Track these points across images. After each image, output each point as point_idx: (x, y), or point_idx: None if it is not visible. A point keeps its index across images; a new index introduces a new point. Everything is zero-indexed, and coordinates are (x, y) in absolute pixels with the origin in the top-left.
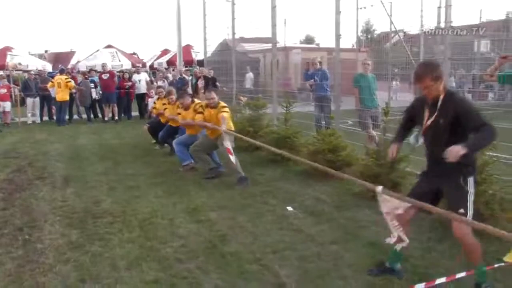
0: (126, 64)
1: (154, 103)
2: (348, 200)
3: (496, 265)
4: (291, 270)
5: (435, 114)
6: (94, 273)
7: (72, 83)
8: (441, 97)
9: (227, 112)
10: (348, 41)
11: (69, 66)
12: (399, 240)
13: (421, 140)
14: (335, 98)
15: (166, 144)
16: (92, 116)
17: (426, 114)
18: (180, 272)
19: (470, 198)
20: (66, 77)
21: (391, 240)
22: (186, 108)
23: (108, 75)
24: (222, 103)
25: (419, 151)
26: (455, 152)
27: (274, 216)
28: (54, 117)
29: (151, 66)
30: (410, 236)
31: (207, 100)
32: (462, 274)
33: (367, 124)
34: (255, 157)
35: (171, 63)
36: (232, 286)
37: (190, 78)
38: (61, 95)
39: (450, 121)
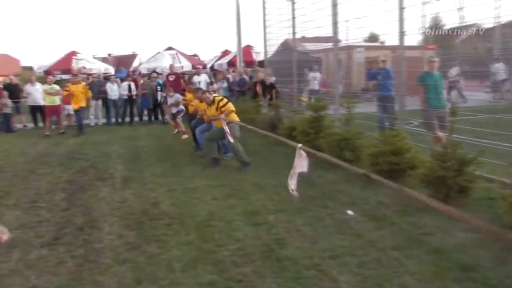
0: (187, 66)
1: (184, 95)
2: (411, 204)
3: None
4: (350, 277)
5: None
6: (150, 274)
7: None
8: None
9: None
10: (414, 38)
11: (131, 69)
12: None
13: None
14: (400, 98)
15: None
16: (153, 118)
17: None
18: (236, 276)
19: None
20: (82, 85)
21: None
22: (210, 104)
23: (174, 76)
24: (218, 97)
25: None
26: None
27: (333, 220)
28: (113, 119)
29: (212, 68)
30: (478, 245)
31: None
32: None
33: (432, 125)
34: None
35: (231, 64)
36: None
37: (251, 79)
38: (77, 103)
39: None
